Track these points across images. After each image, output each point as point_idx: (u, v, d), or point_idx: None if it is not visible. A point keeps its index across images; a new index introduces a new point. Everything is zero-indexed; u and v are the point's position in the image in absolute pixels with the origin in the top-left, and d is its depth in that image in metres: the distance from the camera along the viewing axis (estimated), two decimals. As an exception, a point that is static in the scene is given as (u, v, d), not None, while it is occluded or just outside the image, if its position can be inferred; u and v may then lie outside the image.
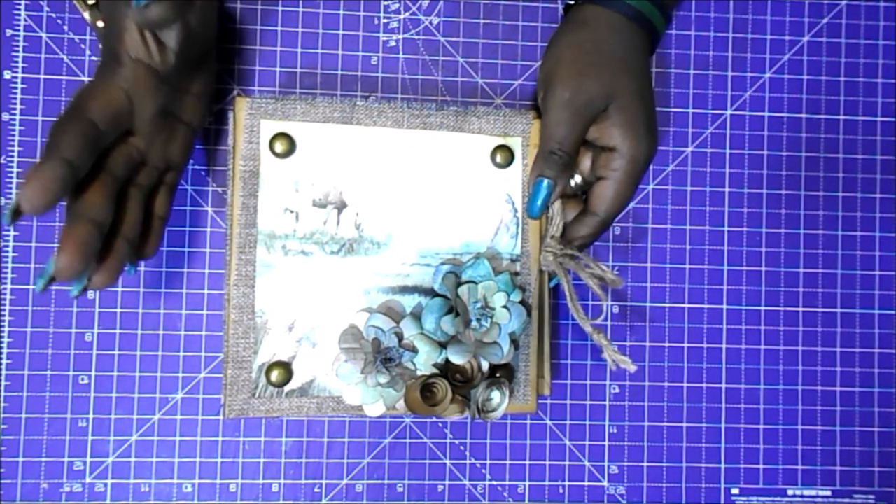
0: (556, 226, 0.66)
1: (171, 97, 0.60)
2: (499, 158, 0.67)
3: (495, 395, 0.65)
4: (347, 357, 0.63)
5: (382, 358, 0.63)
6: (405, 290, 0.65)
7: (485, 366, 0.64)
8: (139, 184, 0.59)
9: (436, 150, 0.67)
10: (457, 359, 0.63)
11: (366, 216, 0.65)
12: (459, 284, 0.64)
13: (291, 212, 0.64)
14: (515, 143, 0.67)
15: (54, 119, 0.53)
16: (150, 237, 0.61)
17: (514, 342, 0.65)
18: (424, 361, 0.63)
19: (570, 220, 0.67)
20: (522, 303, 0.65)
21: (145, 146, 0.59)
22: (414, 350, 0.63)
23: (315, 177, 0.65)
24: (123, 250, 0.57)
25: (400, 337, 0.63)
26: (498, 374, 0.66)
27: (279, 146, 0.64)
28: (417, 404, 0.63)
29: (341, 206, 0.65)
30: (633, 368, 0.65)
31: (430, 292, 0.65)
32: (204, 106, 0.64)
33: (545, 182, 0.65)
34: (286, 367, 0.64)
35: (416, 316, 0.64)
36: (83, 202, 0.53)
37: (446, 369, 0.64)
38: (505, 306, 0.64)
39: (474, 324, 0.64)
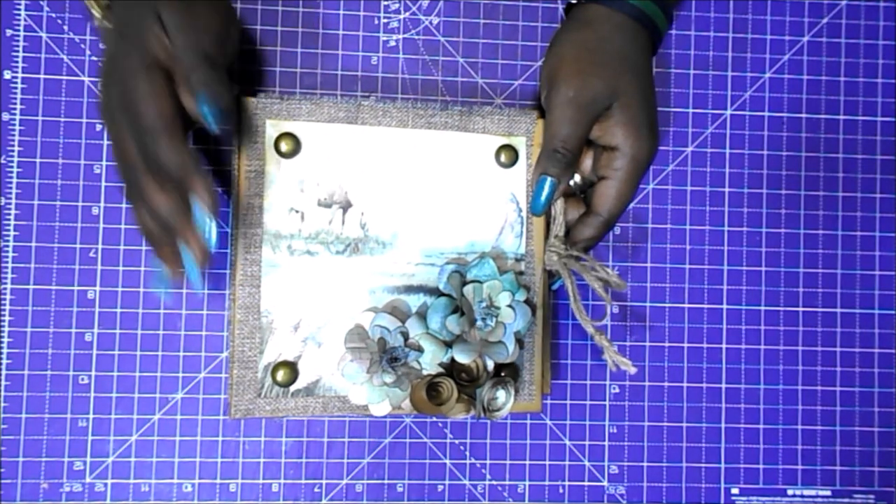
0: (559, 225, 0.67)
1: None
2: (503, 158, 0.67)
3: (501, 395, 0.65)
4: (353, 357, 0.63)
5: (388, 357, 0.63)
6: (410, 289, 0.65)
7: (490, 365, 0.65)
8: None
9: (440, 149, 0.67)
10: (462, 358, 0.63)
11: (371, 216, 0.65)
12: (464, 284, 0.64)
13: (297, 212, 0.64)
14: (519, 142, 0.67)
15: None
16: None
17: (519, 341, 0.65)
18: (430, 361, 0.63)
19: (573, 221, 0.67)
20: (527, 302, 0.66)
21: None
22: (419, 349, 0.63)
23: (320, 177, 0.65)
24: None
25: (405, 336, 0.63)
26: (503, 374, 0.66)
27: (284, 146, 0.64)
28: (423, 404, 0.63)
29: (346, 206, 0.65)
30: (633, 370, 0.66)
31: (436, 292, 0.65)
32: None
33: (549, 180, 0.65)
34: (292, 367, 0.64)
35: (422, 315, 0.64)
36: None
37: (452, 369, 0.64)
38: (510, 305, 0.64)
39: (479, 323, 0.64)
